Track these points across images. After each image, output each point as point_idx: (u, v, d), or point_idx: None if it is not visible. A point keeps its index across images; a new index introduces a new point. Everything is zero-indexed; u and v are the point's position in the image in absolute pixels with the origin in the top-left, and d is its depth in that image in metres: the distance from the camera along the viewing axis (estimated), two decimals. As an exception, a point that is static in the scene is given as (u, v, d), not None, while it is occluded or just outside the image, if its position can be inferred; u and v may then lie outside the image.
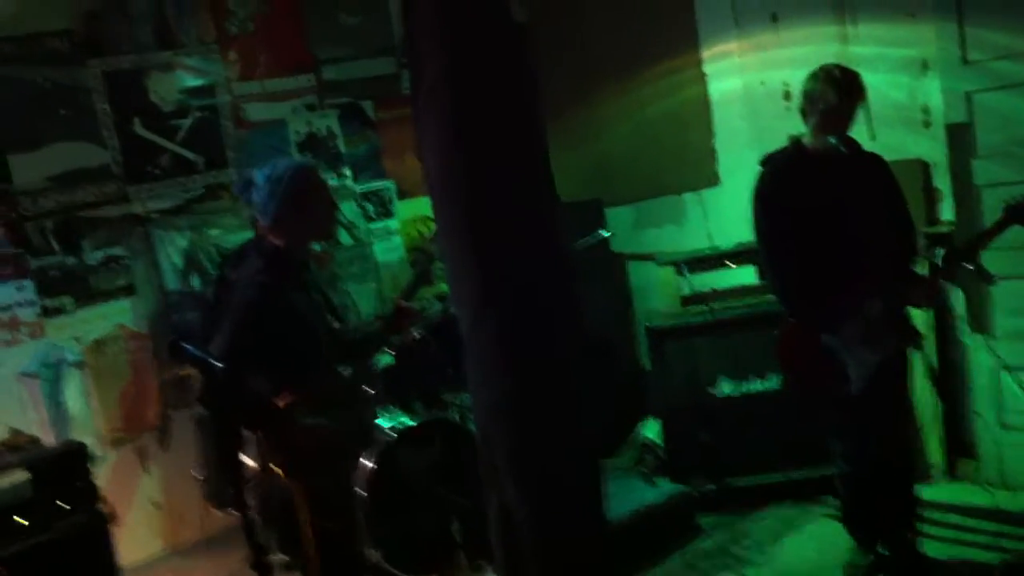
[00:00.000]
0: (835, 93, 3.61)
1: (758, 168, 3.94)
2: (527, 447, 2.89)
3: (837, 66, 3.69)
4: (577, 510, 2.96)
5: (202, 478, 4.21)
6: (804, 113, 3.76)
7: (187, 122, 5.37)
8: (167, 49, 5.31)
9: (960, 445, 4.69)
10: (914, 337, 3.72)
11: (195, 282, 5.31)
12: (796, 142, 3.85)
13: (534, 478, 2.88)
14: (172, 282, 5.24)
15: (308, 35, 5.86)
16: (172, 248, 5.26)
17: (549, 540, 2.90)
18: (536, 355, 2.81)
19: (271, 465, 3.04)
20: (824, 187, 3.70)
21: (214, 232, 5.40)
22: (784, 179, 3.81)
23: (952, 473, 4.67)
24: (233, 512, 4.12)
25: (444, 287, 5.35)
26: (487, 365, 2.87)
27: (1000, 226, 3.53)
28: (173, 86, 5.34)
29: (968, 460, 4.67)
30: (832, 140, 3.60)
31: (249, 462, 3.16)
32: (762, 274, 4.80)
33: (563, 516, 2.92)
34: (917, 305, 3.87)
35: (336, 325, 3.73)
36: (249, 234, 5.25)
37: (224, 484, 4.04)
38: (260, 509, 3.25)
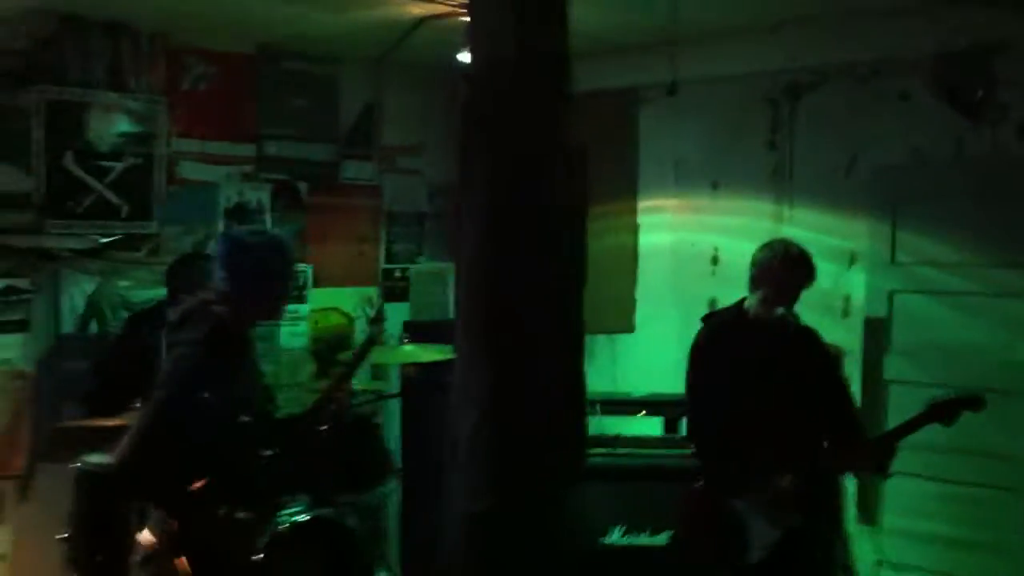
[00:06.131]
0: (794, 269, 3.77)
1: (674, 323, 4.03)
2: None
3: (794, 243, 3.85)
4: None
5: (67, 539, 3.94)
6: (754, 281, 3.86)
7: (119, 166, 5.19)
8: (115, 90, 5.18)
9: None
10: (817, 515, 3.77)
11: (93, 328, 5.06)
12: (739, 306, 3.95)
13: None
14: (69, 325, 4.99)
15: (256, 107, 5.80)
16: (76, 290, 5.01)
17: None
18: (530, 465, 2.83)
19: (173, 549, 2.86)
20: (759, 352, 3.79)
21: (123, 283, 5.16)
22: (723, 336, 3.91)
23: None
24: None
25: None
26: (486, 467, 2.87)
27: (920, 421, 3.66)
28: (113, 128, 5.17)
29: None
30: (781, 311, 3.72)
31: (147, 538, 2.96)
32: (669, 427, 4.85)
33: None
34: (861, 471, 3.92)
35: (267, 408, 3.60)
36: (161, 291, 5.06)
37: (93, 552, 3.80)
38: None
